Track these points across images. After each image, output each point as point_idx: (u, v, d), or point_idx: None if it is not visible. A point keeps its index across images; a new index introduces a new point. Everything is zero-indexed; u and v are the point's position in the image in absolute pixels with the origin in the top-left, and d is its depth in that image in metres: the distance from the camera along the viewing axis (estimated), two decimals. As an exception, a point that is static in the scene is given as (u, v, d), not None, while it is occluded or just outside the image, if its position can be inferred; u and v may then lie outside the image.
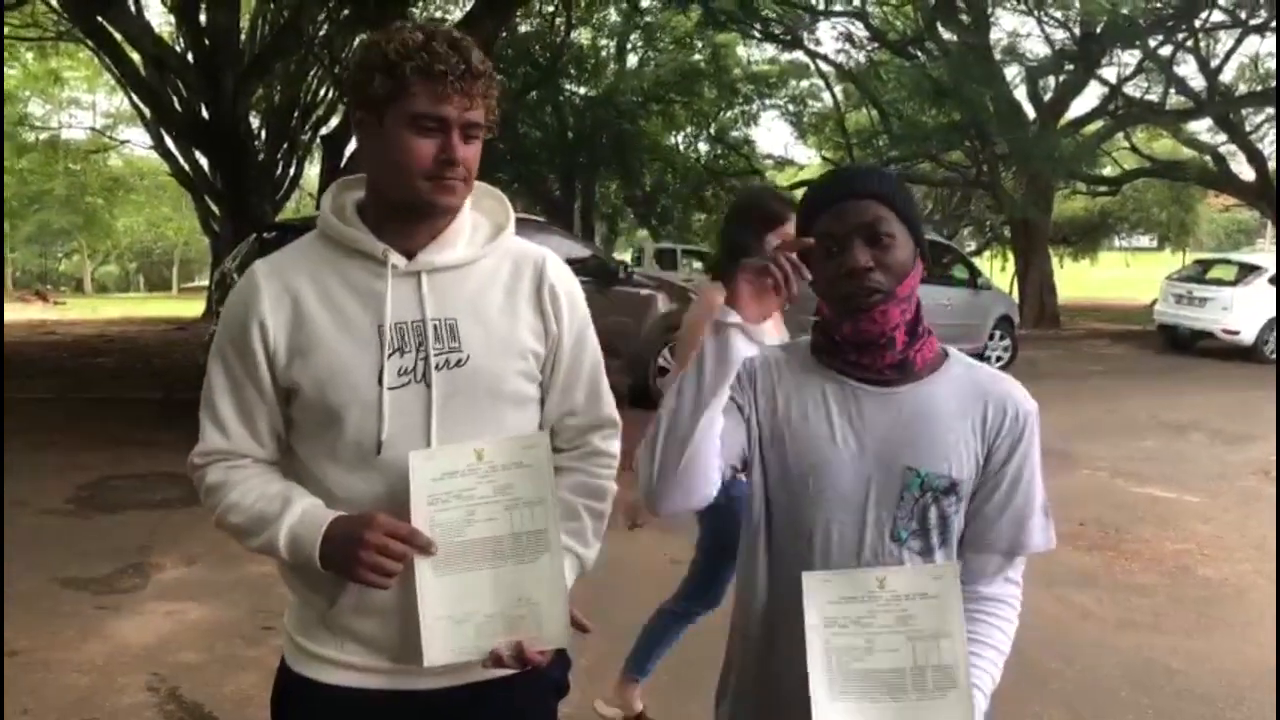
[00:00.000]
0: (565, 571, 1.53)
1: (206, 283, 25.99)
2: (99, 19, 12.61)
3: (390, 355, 1.52)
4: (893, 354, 1.55)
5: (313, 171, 23.45)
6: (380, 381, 1.51)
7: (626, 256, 22.57)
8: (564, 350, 1.64)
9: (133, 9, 15.67)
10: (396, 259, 1.54)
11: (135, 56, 14.37)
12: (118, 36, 13.26)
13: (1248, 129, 23.07)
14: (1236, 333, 15.31)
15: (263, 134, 19.20)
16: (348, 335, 1.52)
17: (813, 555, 1.58)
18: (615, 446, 1.72)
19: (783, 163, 30.39)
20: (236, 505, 1.54)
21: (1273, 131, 23.67)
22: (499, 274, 1.61)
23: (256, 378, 1.55)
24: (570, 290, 1.67)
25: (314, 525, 1.49)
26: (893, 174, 1.59)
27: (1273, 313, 15.27)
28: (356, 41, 16.94)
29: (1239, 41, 20.70)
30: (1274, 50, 19.44)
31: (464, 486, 1.48)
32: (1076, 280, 34.45)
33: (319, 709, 1.61)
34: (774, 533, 1.64)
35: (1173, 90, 21.92)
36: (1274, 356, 15.13)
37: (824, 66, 23.87)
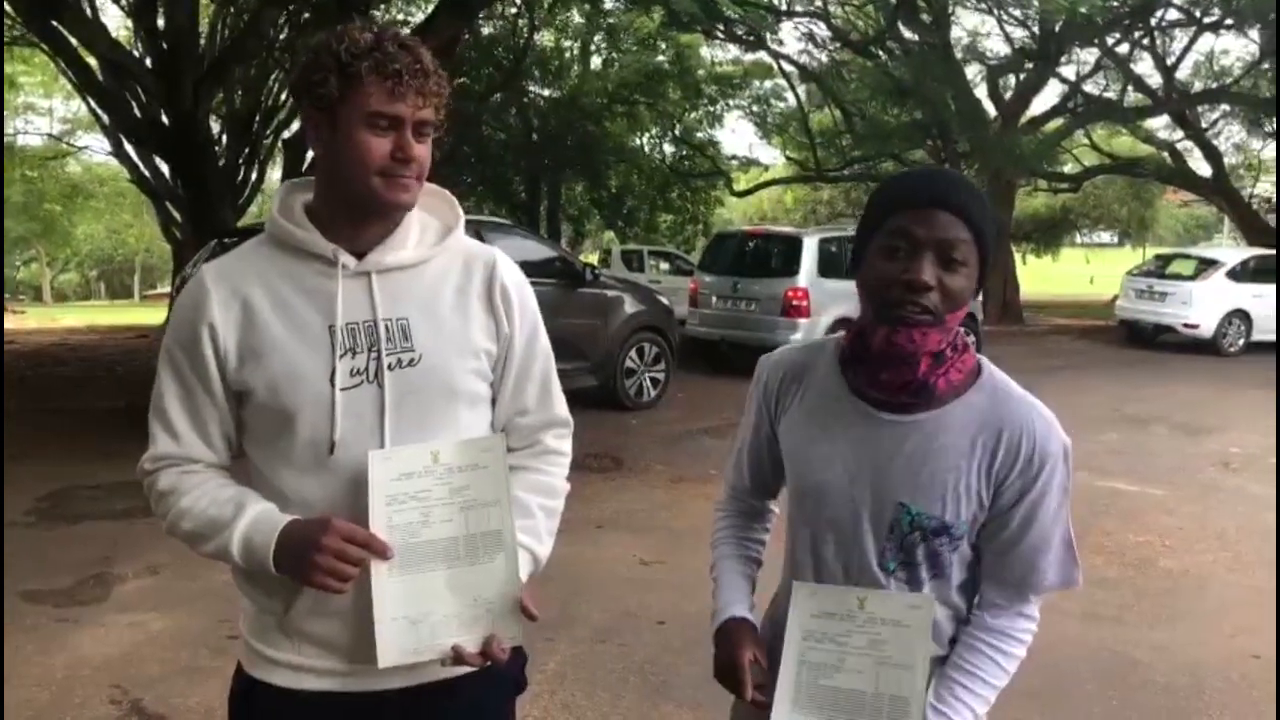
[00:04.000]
0: (520, 570, 1.53)
1: (168, 289, 25.68)
2: (53, 23, 12.42)
3: (342, 355, 1.52)
4: (913, 375, 1.47)
5: (274, 176, 23.21)
6: (333, 382, 1.51)
7: (593, 258, 22.55)
8: (516, 349, 1.64)
9: (88, 12, 15.47)
10: (346, 259, 1.54)
11: (92, 61, 14.19)
12: (73, 41, 13.08)
13: (1204, 125, 23.41)
14: (1196, 326, 15.51)
15: (223, 139, 18.98)
16: (299, 336, 1.52)
17: (809, 570, 1.60)
18: (567, 445, 1.75)
19: (748, 163, 30.46)
20: (188, 511, 1.53)
21: (1227, 127, 24.07)
22: (450, 273, 1.61)
23: (207, 381, 1.54)
24: (521, 289, 1.67)
25: (268, 530, 1.48)
26: (975, 190, 1.48)
27: (1231, 306, 15.50)
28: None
29: (1194, 39, 21.00)
30: (1228, 47, 19.72)
31: (420, 488, 1.48)
32: (1039, 276, 34.80)
33: (277, 713, 1.60)
34: (791, 539, 1.67)
35: (1130, 88, 22.21)
36: (1232, 350, 15.38)
37: (787, 67, 23.94)
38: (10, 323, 20.87)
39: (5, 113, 30.08)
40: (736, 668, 1.57)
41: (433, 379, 1.55)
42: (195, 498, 1.54)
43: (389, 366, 1.53)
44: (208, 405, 1.55)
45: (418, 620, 1.47)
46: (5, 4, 13.08)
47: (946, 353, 1.49)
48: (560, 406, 1.73)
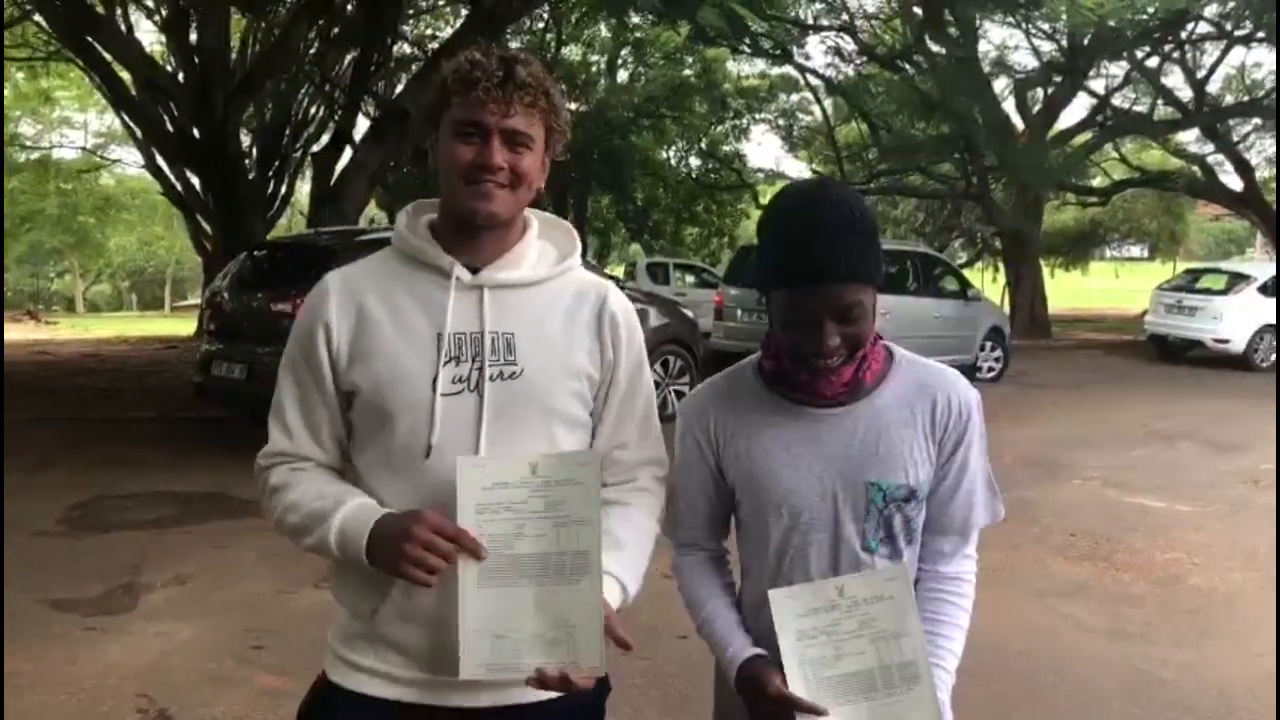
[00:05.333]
0: (607, 595, 1.50)
1: (198, 301, 25.93)
2: (89, 39, 12.62)
3: (446, 362, 1.55)
4: (839, 382, 1.60)
5: (303, 189, 23.44)
6: (434, 387, 1.54)
7: (619, 271, 22.59)
8: (619, 379, 1.66)
9: (123, 29, 15.70)
10: (460, 271, 1.58)
11: (126, 76, 14.39)
12: (108, 56, 13.28)
13: (1235, 139, 23.20)
14: (1227, 341, 15.35)
15: (254, 152, 19.19)
16: (406, 341, 1.56)
17: (793, 576, 1.64)
18: (663, 488, 1.73)
19: (774, 176, 30.46)
20: (294, 505, 1.58)
21: (1259, 141, 23.82)
22: (561, 298, 1.64)
23: (320, 381, 1.60)
24: (630, 323, 1.68)
25: (363, 521, 1.50)
26: (859, 216, 1.54)
27: (1262, 321, 15.33)
28: (347, 59, 17.01)
29: (1225, 52, 20.84)
30: (1260, 61, 19.57)
31: (515, 499, 1.47)
32: (1067, 291, 34.54)
33: (353, 718, 1.61)
34: (752, 560, 1.72)
35: (1160, 101, 22.05)
36: (1264, 365, 15.20)
37: (813, 80, 23.96)
38: (42, 333, 21.14)
39: (41, 128, 30.56)
40: (779, 699, 1.56)
41: (532, 394, 1.57)
42: (301, 492, 1.58)
43: (490, 377, 1.56)
44: (320, 405, 1.61)
45: (501, 635, 1.45)
46: (42, 20, 13.28)
47: (863, 355, 1.61)
48: (659, 446, 1.73)
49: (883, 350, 1.66)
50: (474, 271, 1.59)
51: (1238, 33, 19.05)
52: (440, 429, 1.53)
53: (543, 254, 1.66)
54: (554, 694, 1.49)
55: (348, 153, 13.75)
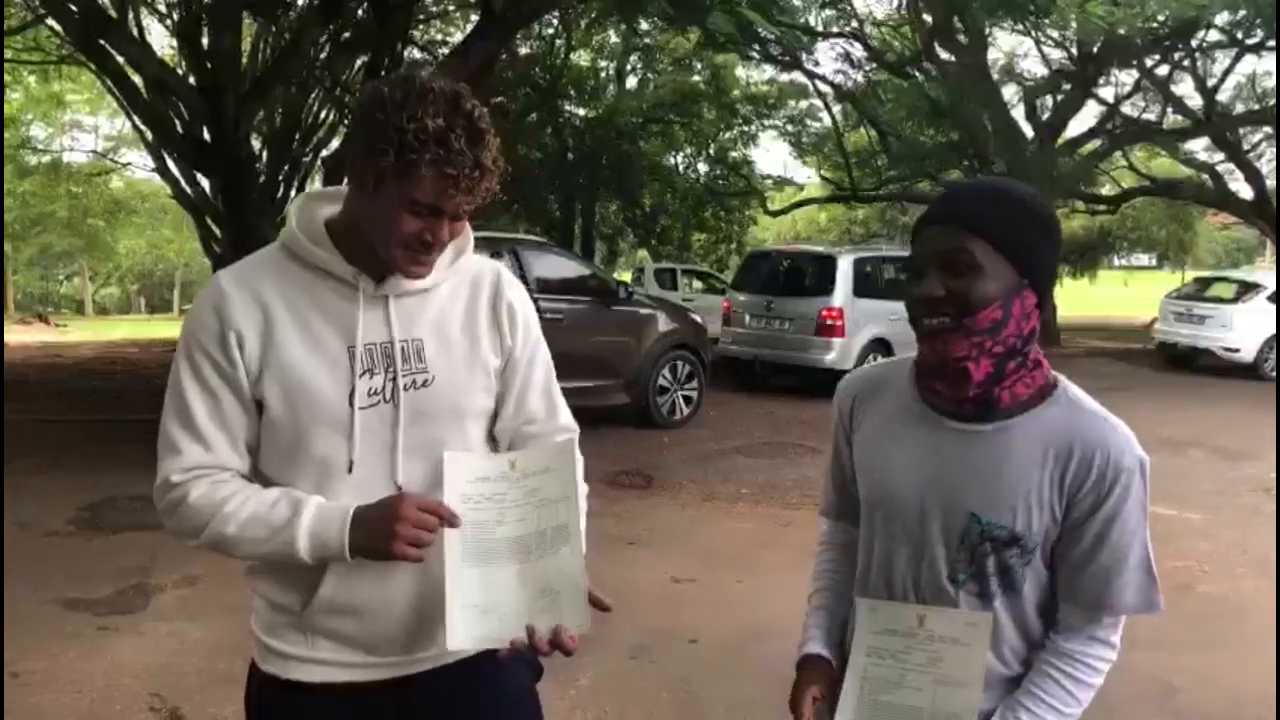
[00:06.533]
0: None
1: (208, 304, 25.92)
2: (100, 42, 12.67)
3: (361, 375, 1.55)
4: (970, 387, 1.48)
5: (314, 193, 23.52)
6: (351, 402, 1.54)
7: (627, 276, 22.61)
8: (518, 361, 1.68)
9: (135, 32, 15.75)
10: (366, 284, 1.57)
11: (137, 79, 14.44)
12: (119, 60, 13.32)
13: (1245, 148, 23.14)
14: (1236, 350, 15.31)
15: (264, 156, 19.23)
16: (317, 355, 1.55)
17: (879, 586, 1.60)
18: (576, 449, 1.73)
19: (782, 182, 30.46)
20: (233, 516, 1.51)
21: (1270, 150, 23.76)
22: (458, 295, 1.65)
23: (235, 385, 1.54)
24: (523, 303, 1.72)
25: (337, 519, 1.50)
26: (1012, 194, 1.48)
27: (1272, 330, 15.28)
28: (358, 64, 17.04)
29: (1236, 61, 20.78)
30: (1271, 69, 19.53)
31: (496, 491, 1.53)
32: (1076, 298, 34.48)
33: (296, 704, 1.63)
34: (862, 556, 1.68)
35: (1170, 109, 22.01)
36: (1273, 374, 15.15)
37: (822, 87, 23.91)
38: (53, 336, 21.22)
39: (52, 131, 30.69)
40: (798, 704, 1.60)
41: (444, 399, 1.59)
42: (239, 503, 1.52)
43: (404, 387, 1.57)
44: (236, 411, 1.55)
45: (488, 610, 1.50)
46: (55, 23, 13.33)
47: (1008, 365, 1.47)
48: (566, 415, 1.75)
49: (1042, 378, 1.52)
50: (376, 280, 1.57)
51: (1248, 41, 19.00)
52: (360, 443, 1.54)
53: (441, 256, 1.63)
54: (490, 649, 1.52)
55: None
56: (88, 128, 32.18)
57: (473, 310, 1.65)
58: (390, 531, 1.46)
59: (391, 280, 1.58)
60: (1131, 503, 1.48)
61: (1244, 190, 22.84)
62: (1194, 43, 19.49)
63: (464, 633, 1.49)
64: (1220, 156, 23.43)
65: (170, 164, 20.17)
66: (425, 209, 1.47)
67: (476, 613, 1.50)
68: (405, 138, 1.42)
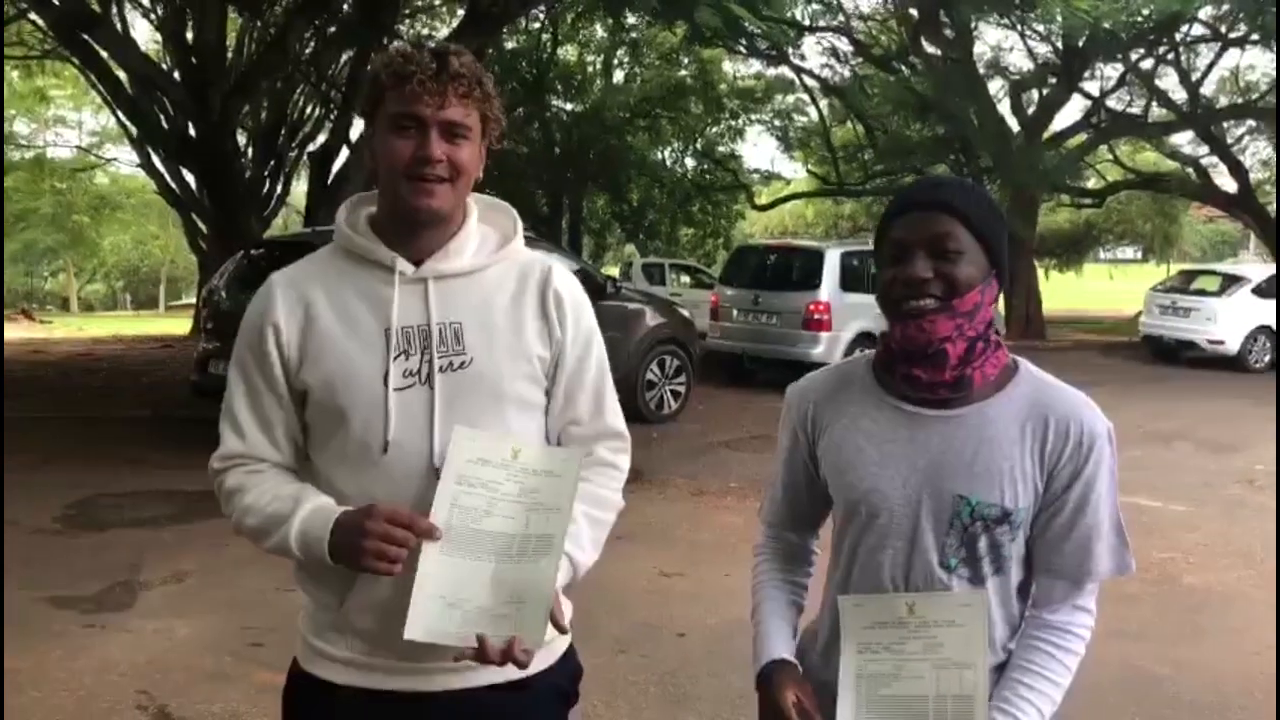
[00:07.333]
0: (558, 575, 1.52)
1: (194, 301, 25.91)
2: (84, 37, 12.60)
3: (396, 357, 1.56)
4: (947, 369, 1.51)
5: (300, 188, 23.43)
6: (386, 383, 1.55)
7: (614, 271, 22.60)
8: (567, 356, 1.66)
9: (119, 27, 15.68)
10: (404, 265, 1.58)
11: (122, 75, 14.37)
12: (104, 55, 13.26)
13: (1229, 141, 23.27)
14: (1221, 342, 15.40)
15: (250, 151, 19.18)
16: (355, 338, 1.57)
17: (863, 586, 1.59)
18: (624, 461, 1.73)
19: (769, 177, 30.51)
20: (251, 507, 1.58)
21: (1253, 143, 23.92)
22: (505, 282, 1.64)
23: (272, 382, 1.60)
24: (576, 298, 1.70)
25: (322, 522, 1.51)
26: (977, 189, 1.59)
27: (1256, 323, 15.38)
28: (343, 59, 16.99)
29: (1219, 55, 20.91)
30: (1254, 63, 19.63)
31: (493, 478, 1.50)
32: (1062, 292, 34.63)
33: (328, 708, 1.63)
34: (834, 558, 1.67)
35: (1155, 103, 22.10)
36: (1258, 366, 15.25)
37: (809, 81, 24.00)
38: (37, 332, 21.09)
39: (36, 126, 30.52)
40: (780, 711, 1.56)
41: (482, 382, 1.58)
42: (258, 494, 1.58)
43: (440, 369, 1.57)
44: (273, 406, 1.61)
45: (454, 604, 1.48)
46: (38, 18, 13.25)
47: (977, 346, 1.52)
48: (615, 419, 1.73)
49: (1005, 358, 1.57)
50: (417, 264, 1.59)
51: (1232, 35, 19.12)
52: (395, 424, 1.55)
53: (484, 239, 1.66)
54: (520, 674, 1.52)
55: (344, 152, 13.75)
56: (72, 123, 32.08)
57: (520, 298, 1.64)
58: (357, 546, 1.46)
59: (430, 263, 1.59)
60: (1104, 469, 1.53)
61: (1228, 183, 22.97)
62: (1178, 37, 19.59)
63: (424, 625, 1.47)
64: (1204, 150, 23.55)
65: (155, 159, 20.12)
66: (406, 120, 1.52)
67: (442, 605, 1.48)
68: (374, 68, 1.56)
